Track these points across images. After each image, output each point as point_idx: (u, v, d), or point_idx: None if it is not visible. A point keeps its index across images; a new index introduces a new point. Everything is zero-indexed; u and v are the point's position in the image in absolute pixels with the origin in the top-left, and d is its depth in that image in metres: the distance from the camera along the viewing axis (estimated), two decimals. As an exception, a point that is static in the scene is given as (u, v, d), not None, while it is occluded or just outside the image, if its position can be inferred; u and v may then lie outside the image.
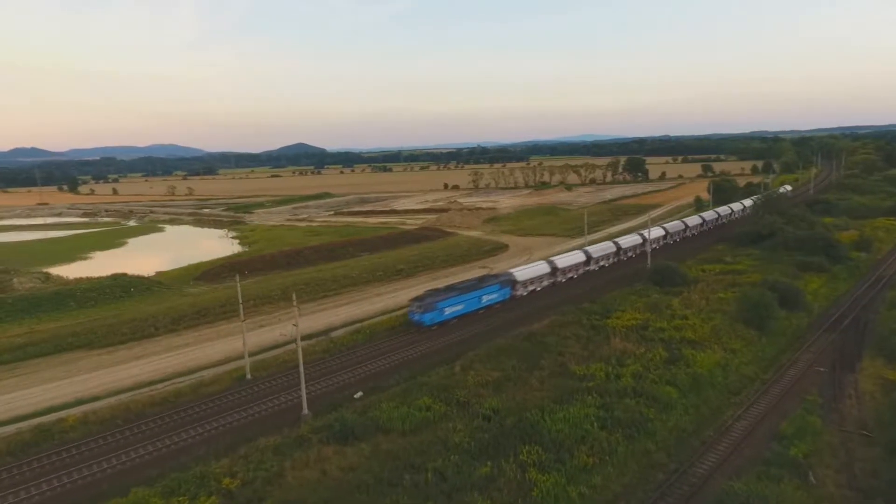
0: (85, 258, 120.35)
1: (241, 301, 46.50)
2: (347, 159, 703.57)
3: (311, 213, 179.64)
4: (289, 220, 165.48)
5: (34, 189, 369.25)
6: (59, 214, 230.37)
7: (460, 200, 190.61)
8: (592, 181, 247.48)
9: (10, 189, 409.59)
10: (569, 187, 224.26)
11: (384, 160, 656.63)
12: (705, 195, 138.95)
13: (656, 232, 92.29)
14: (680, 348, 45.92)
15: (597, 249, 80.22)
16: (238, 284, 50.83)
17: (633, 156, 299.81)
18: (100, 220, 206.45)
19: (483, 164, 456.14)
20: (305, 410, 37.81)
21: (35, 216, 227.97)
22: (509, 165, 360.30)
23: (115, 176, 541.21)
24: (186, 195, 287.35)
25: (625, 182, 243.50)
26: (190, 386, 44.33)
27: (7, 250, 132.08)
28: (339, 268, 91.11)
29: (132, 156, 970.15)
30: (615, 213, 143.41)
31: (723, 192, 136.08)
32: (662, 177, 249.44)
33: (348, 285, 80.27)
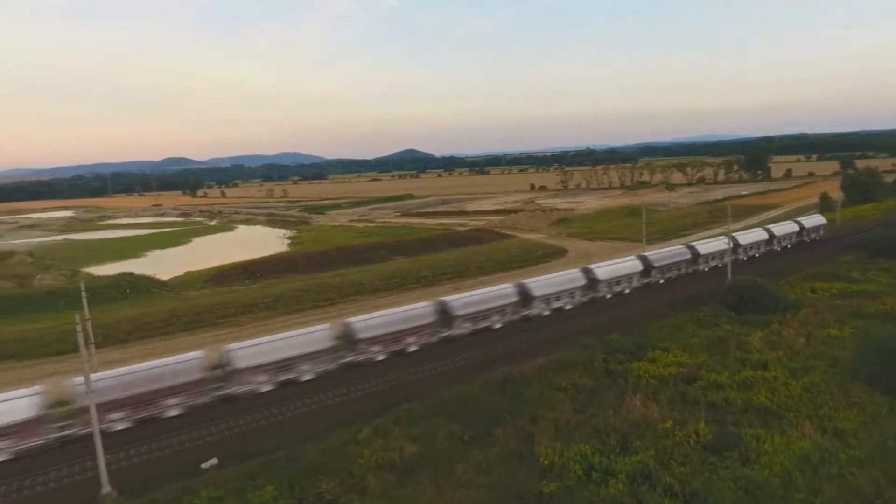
0: (139, 256, 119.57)
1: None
2: (452, 163, 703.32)
3: (378, 215, 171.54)
4: (352, 220, 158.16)
5: (162, 193, 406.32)
6: (162, 214, 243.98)
7: (539, 201, 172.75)
8: (701, 180, 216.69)
9: (145, 193, 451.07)
10: (670, 187, 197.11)
11: (486, 164, 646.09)
12: (837, 194, 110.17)
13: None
14: (739, 422, 27.75)
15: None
16: (85, 307, 39.07)
17: (752, 153, 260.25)
18: (191, 219, 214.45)
19: (587, 166, 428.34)
20: (107, 488, 25.32)
21: (141, 216, 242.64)
22: (612, 166, 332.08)
23: (237, 182, 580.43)
24: (280, 197, 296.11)
25: (740, 181, 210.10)
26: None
27: (79, 247, 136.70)
28: (356, 273, 79.32)
29: (259, 163, 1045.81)
30: (716, 214, 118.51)
31: (863, 189, 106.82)
32: (787, 175, 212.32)
33: (352, 294, 68.02)
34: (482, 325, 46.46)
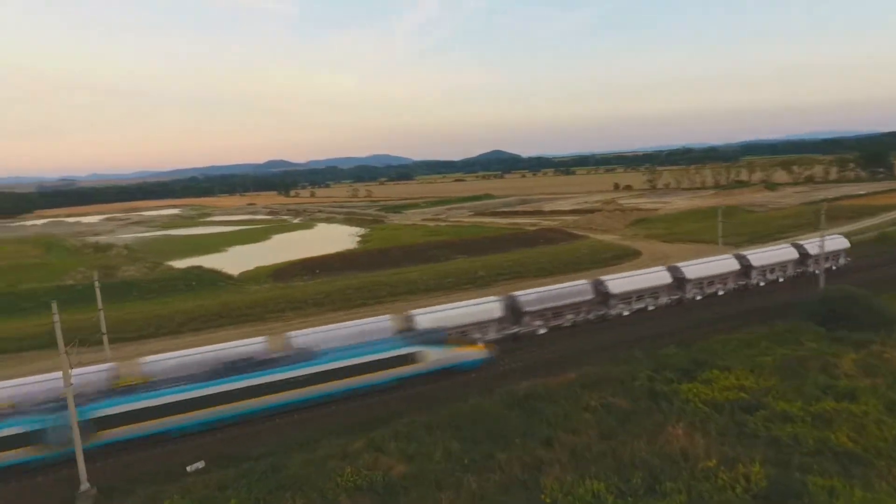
0: (221, 251, 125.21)
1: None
2: (538, 164, 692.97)
3: (452, 214, 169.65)
4: (425, 219, 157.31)
5: (260, 193, 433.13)
6: (254, 213, 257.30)
7: (621, 201, 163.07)
8: (809, 179, 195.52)
9: (246, 193, 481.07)
10: (771, 187, 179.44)
11: (573, 164, 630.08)
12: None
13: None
14: (807, 468, 22.07)
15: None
16: (98, 300, 39.19)
17: (872, 150, 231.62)
18: (278, 217, 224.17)
19: (682, 165, 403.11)
20: (85, 485, 24.35)
21: (235, 214, 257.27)
22: (708, 165, 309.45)
23: (329, 182, 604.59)
24: (364, 197, 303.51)
25: (856, 180, 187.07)
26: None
27: (172, 241, 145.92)
28: (413, 271, 77.42)
29: (352, 165, 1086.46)
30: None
31: None
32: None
33: (403, 293, 65.97)
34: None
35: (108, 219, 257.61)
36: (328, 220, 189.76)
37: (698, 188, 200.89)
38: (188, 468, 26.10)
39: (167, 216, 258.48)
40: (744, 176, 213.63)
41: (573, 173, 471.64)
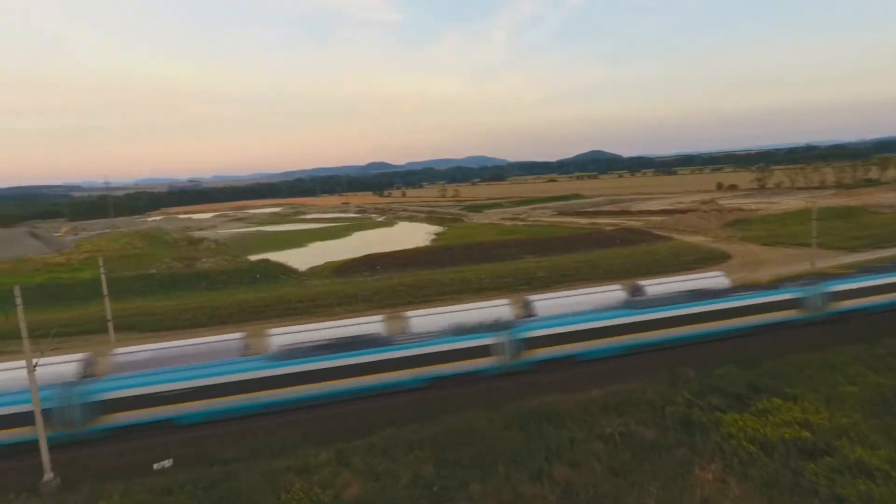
0: (301, 246, 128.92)
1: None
2: (640, 164, 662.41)
3: (534, 214, 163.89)
4: (503, 218, 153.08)
5: (357, 194, 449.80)
6: (344, 211, 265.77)
7: (722, 202, 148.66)
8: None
9: (344, 193, 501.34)
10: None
11: (677, 164, 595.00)
12: None
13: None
14: (880, 544, 16.11)
15: None
16: (104, 287, 38.46)
17: None
18: (366, 215, 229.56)
19: (801, 164, 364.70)
20: (49, 474, 23.50)
21: (327, 213, 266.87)
22: (832, 163, 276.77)
23: (423, 183, 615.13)
24: (451, 197, 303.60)
25: None
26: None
27: (261, 237, 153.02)
28: (471, 270, 73.94)
29: (448, 166, 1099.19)
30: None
31: None
32: None
33: (453, 292, 62.73)
34: None
35: (217, 216, 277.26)
36: (410, 219, 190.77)
37: (816, 188, 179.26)
38: (154, 466, 24.63)
39: (267, 214, 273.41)
40: (874, 174, 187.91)
41: (675, 173, 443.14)
